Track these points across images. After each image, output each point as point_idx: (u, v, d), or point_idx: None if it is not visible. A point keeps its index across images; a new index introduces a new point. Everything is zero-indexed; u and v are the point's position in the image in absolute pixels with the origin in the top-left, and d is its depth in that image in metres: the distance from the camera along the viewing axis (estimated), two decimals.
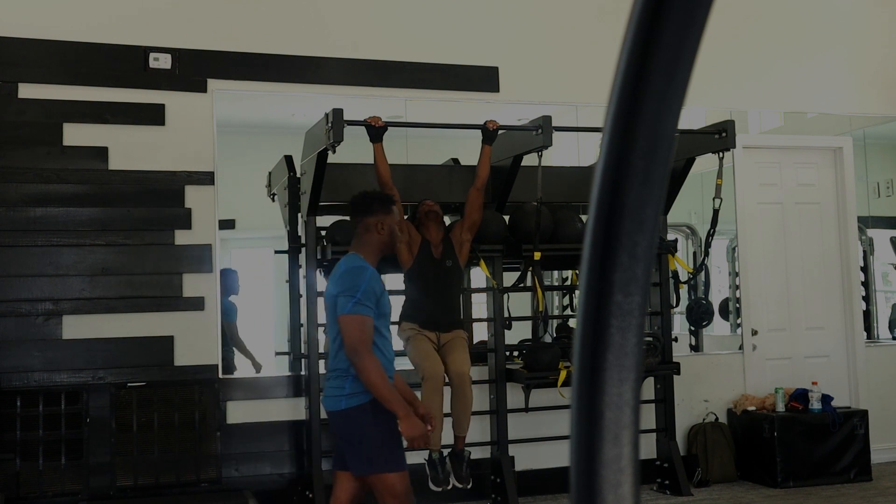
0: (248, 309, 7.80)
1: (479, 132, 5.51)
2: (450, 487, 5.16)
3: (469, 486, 5.26)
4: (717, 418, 6.60)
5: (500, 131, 5.53)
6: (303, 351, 5.64)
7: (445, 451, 5.18)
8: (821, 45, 7.36)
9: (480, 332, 6.36)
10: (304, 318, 5.63)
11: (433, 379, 4.97)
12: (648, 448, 6.14)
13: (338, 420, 3.68)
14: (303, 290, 5.64)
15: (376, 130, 5.14)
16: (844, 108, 7.39)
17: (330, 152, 5.06)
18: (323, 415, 5.50)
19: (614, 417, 0.42)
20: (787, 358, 7.06)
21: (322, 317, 4.92)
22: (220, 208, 5.84)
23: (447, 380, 5.13)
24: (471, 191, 5.46)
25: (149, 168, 5.69)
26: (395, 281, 6.34)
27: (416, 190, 5.90)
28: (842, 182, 7.31)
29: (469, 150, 5.81)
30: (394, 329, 5.41)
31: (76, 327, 5.47)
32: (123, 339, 5.54)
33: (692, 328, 7.21)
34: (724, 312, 7.37)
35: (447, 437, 5.22)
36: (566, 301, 6.96)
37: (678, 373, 6.10)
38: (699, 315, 7.19)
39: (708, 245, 6.08)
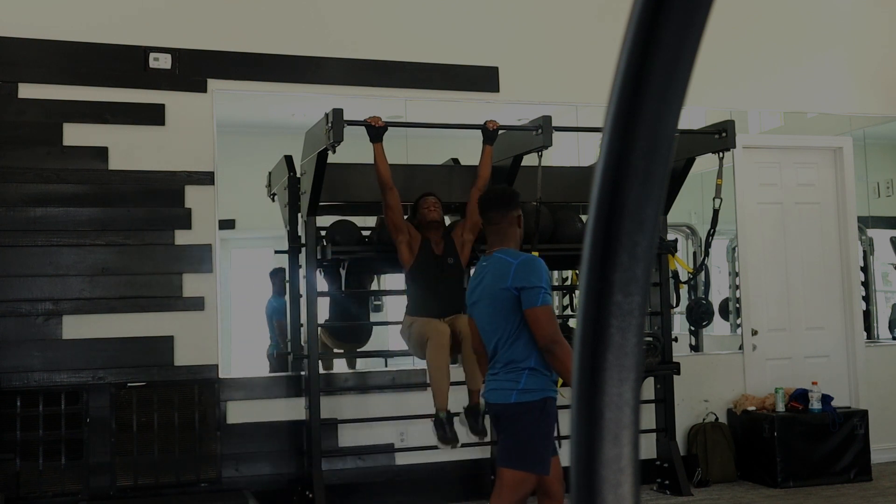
0: (248, 309, 7.80)
1: (479, 132, 5.51)
2: (459, 445, 5.06)
3: (485, 439, 5.09)
4: (717, 418, 6.60)
5: (500, 131, 5.52)
6: (304, 351, 5.64)
7: (451, 411, 5.06)
8: (821, 45, 7.36)
9: None
10: (304, 318, 5.62)
11: (438, 335, 4.90)
12: (648, 448, 6.14)
13: (504, 413, 3.72)
14: (303, 290, 5.63)
15: (376, 130, 5.14)
16: (844, 108, 7.39)
17: (330, 152, 5.06)
18: (323, 415, 5.52)
19: (614, 417, 0.42)
20: (787, 358, 7.06)
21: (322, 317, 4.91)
22: (220, 208, 5.84)
23: (453, 342, 5.05)
24: (472, 191, 5.45)
25: (149, 168, 5.69)
26: (396, 280, 6.35)
27: (416, 190, 5.89)
28: (842, 182, 7.32)
29: (469, 150, 5.81)
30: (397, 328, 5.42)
31: (76, 327, 5.47)
32: (123, 339, 5.54)
33: (692, 328, 7.21)
34: (724, 312, 7.36)
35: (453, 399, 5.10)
36: (566, 301, 6.96)
37: (678, 373, 6.10)
38: (699, 315, 7.19)
39: (708, 245, 6.08)
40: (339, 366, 6.24)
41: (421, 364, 6.39)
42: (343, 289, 5.81)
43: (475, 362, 4.62)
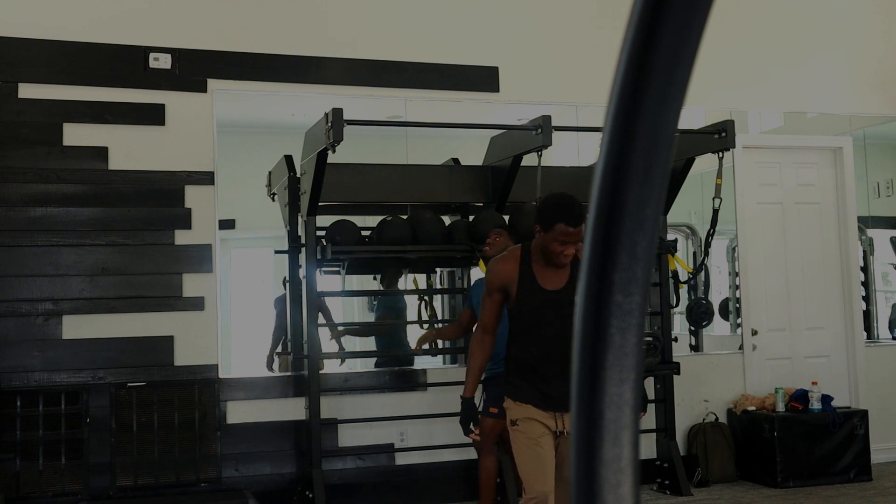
0: (248, 309, 7.80)
1: (479, 132, 5.49)
2: None
3: None
4: (717, 418, 6.60)
5: (500, 131, 5.52)
6: (304, 351, 5.64)
7: None
8: (821, 46, 7.36)
9: None
10: (303, 318, 5.62)
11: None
12: (648, 448, 6.14)
13: None
14: (303, 289, 5.63)
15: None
16: (844, 108, 7.39)
17: (330, 152, 5.06)
18: (323, 415, 5.52)
19: (614, 417, 0.42)
20: (787, 358, 7.06)
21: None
22: (220, 208, 5.84)
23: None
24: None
25: (149, 168, 5.69)
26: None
27: (416, 190, 5.90)
28: (842, 182, 7.31)
29: (469, 150, 5.82)
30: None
31: (76, 327, 5.47)
32: (123, 339, 5.54)
33: (692, 328, 7.21)
34: (724, 312, 7.36)
35: None
36: None
37: (678, 373, 6.09)
38: (699, 315, 7.18)
39: (708, 245, 6.08)
40: (338, 365, 6.23)
41: (422, 363, 6.40)
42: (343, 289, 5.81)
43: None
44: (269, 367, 6.60)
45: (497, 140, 5.95)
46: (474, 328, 3.94)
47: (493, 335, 3.79)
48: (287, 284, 5.96)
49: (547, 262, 3.60)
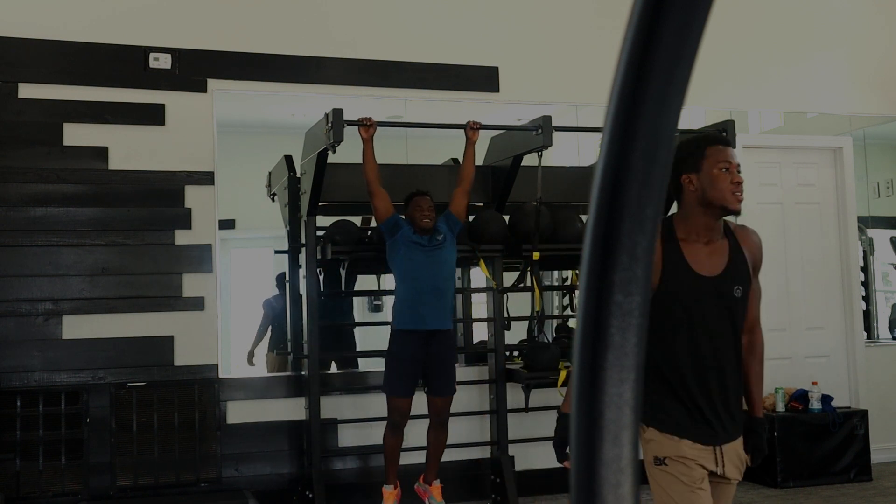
0: (248, 309, 7.80)
1: (479, 132, 5.50)
2: None
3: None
4: None
5: (501, 131, 5.52)
6: (304, 351, 5.64)
7: None
8: (821, 46, 7.36)
9: (480, 333, 6.37)
10: (304, 318, 5.62)
11: None
12: None
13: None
14: (303, 289, 5.63)
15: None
16: (844, 109, 7.39)
17: (330, 152, 5.06)
18: (323, 415, 5.52)
19: (614, 417, 0.42)
20: (787, 358, 7.05)
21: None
22: (220, 208, 5.84)
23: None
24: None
25: (149, 168, 5.69)
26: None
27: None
28: (842, 182, 7.31)
29: None
30: None
31: (76, 327, 5.47)
32: (123, 339, 5.54)
33: None
34: None
35: None
36: (566, 301, 6.96)
37: None
38: None
39: None
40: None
41: None
42: (343, 289, 5.81)
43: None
44: (250, 363, 6.78)
45: (497, 140, 5.95)
46: None
47: None
48: (287, 284, 5.97)
49: (697, 235, 2.67)
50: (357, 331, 7.13)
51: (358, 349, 6.84)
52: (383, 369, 5.32)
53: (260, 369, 7.41)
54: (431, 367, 5.17)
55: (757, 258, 2.77)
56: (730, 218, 2.73)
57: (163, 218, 5.70)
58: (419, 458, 5.86)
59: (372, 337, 6.76)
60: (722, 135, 2.70)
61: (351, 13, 6.21)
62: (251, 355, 7.44)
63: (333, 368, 6.33)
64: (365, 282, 6.87)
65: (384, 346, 5.82)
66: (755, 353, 2.81)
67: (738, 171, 2.71)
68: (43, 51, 5.58)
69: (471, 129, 5.35)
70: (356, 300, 7.43)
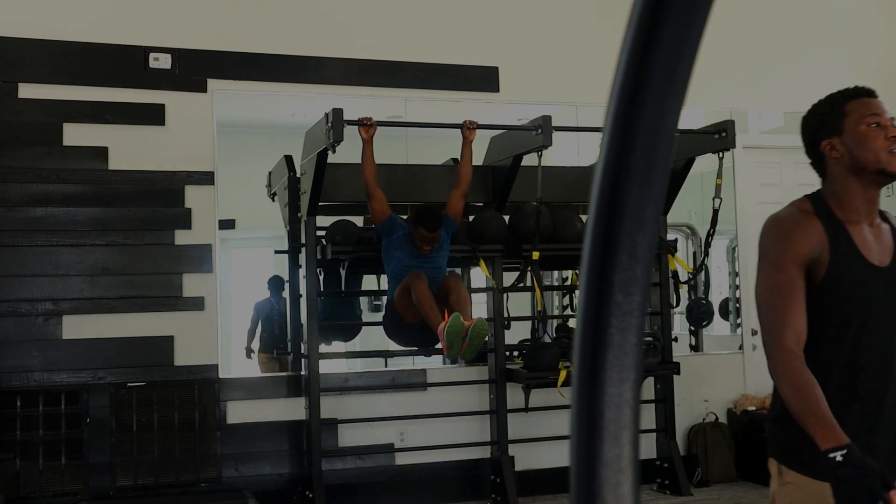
0: (248, 309, 7.80)
1: (479, 132, 5.50)
2: None
3: None
4: (717, 418, 6.60)
5: (500, 131, 5.52)
6: (303, 351, 5.64)
7: None
8: (821, 46, 7.36)
9: None
10: (304, 318, 5.62)
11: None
12: (648, 448, 6.14)
13: None
14: (303, 289, 5.63)
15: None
16: None
17: (330, 152, 5.06)
18: (323, 415, 5.52)
19: (614, 417, 0.42)
20: None
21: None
22: (220, 208, 5.84)
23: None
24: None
25: (149, 168, 5.69)
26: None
27: (416, 190, 5.90)
28: None
29: None
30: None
31: (76, 327, 5.47)
32: (123, 339, 5.54)
33: (692, 328, 7.21)
34: (724, 312, 7.36)
35: None
36: (566, 301, 6.96)
37: (678, 373, 6.09)
38: (699, 315, 7.19)
39: (708, 245, 6.08)
40: (339, 365, 6.22)
41: (422, 363, 6.40)
42: (343, 288, 5.81)
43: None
44: (248, 356, 6.95)
45: (497, 140, 5.95)
46: (770, 347, 2.10)
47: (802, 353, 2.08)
48: (286, 284, 5.97)
49: (858, 214, 2.19)
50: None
51: (358, 349, 6.83)
52: (383, 369, 5.29)
53: (260, 369, 7.43)
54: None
55: None
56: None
57: (163, 218, 5.70)
58: (421, 458, 5.87)
59: (372, 337, 6.76)
60: (864, 87, 2.20)
61: (351, 13, 6.21)
62: (248, 350, 7.58)
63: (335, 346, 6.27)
64: (365, 282, 6.86)
65: (384, 346, 5.84)
66: None
67: (895, 125, 2.17)
68: (43, 51, 5.58)
69: (467, 128, 5.37)
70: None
